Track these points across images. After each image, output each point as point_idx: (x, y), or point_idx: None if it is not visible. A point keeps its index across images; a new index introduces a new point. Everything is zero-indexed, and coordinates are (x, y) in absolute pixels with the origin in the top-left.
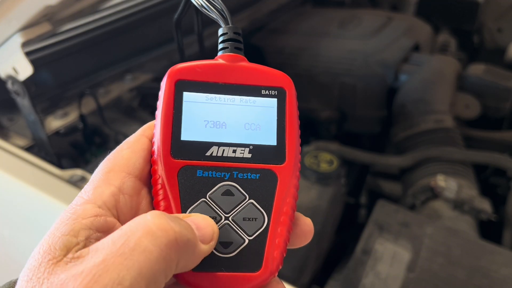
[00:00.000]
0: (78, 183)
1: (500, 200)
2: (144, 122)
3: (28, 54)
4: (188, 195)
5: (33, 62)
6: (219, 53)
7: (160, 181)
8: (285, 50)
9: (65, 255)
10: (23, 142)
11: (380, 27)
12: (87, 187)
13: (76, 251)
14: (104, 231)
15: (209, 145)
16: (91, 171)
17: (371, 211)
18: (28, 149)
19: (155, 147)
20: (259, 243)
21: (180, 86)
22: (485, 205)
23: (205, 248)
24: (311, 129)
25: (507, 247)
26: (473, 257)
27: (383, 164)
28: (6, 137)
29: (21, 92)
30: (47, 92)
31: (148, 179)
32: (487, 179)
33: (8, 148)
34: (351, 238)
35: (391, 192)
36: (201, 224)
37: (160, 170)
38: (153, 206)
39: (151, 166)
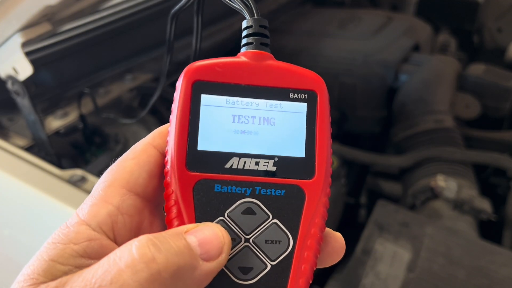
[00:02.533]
0: (78, 183)
1: (500, 200)
2: (143, 122)
3: (28, 54)
4: (204, 213)
5: (33, 62)
6: (242, 50)
7: (173, 196)
8: (285, 50)
9: (46, 282)
10: (23, 142)
11: (380, 27)
12: (85, 204)
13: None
14: (99, 256)
15: (229, 156)
16: (91, 171)
17: (371, 211)
18: (28, 149)
19: (169, 157)
20: (282, 269)
21: (198, 88)
22: (485, 205)
23: (211, 266)
24: None
25: (507, 247)
26: (473, 257)
27: (383, 164)
28: (6, 137)
29: (21, 92)
30: (47, 92)
31: (152, 196)
32: (487, 179)
33: (8, 148)
34: (351, 238)
35: (391, 192)
36: (207, 237)
37: (174, 184)
38: (165, 223)
39: (163, 178)
